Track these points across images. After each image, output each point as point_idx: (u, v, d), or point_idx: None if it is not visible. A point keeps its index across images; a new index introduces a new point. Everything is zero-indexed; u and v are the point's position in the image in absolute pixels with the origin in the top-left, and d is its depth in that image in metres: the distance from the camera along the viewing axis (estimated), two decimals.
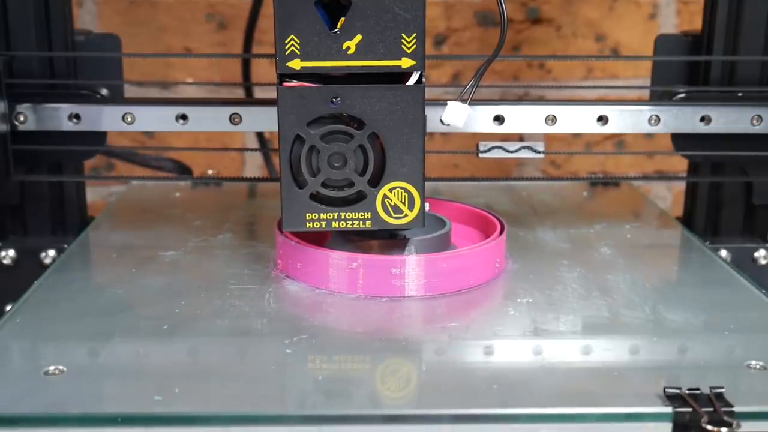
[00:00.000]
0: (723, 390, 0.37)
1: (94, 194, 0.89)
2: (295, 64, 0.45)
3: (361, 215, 0.47)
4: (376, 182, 0.47)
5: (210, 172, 0.85)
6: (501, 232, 0.53)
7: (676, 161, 0.86)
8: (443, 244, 0.52)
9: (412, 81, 0.46)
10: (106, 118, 0.58)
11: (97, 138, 0.59)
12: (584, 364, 0.42)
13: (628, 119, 0.59)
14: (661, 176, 0.95)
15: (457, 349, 0.43)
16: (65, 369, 0.39)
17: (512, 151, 0.57)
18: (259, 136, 0.83)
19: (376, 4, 0.44)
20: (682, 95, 0.59)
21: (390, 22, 0.45)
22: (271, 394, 0.38)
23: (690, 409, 0.36)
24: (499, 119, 0.57)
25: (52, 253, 0.61)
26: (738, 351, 0.42)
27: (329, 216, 0.47)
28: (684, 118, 0.59)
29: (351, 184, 0.47)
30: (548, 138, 0.91)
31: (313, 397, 0.38)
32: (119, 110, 0.57)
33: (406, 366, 0.41)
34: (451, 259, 0.49)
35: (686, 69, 0.62)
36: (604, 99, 0.59)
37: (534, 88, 0.88)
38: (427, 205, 0.48)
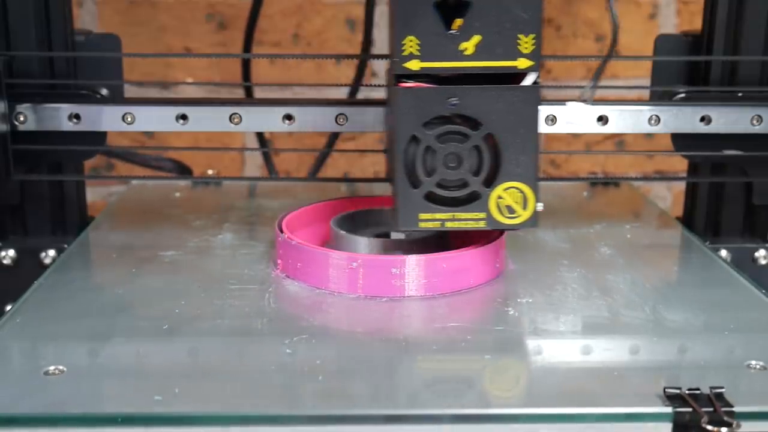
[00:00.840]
0: (723, 390, 0.37)
1: (94, 194, 0.89)
2: (414, 65, 0.45)
3: (475, 215, 0.47)
4: (490, 182, 0.47)
5: (210, 172, 0.85)
6: (501, 233, 0.53)
7: (676, 161, 0.86)
8: (443, 244, 0.52)
9: (528, 81, 0.46)
10: (106, 118, 0.57)
11: (97, 138, 0.59)
12: (584, 364, 0.42)
13: (628, 119, 0.59)
14: (661, 176, 0.95)
15: (457, 349, 0.43)
16: (65, 369, 0.39)
17: None
18: (259, 136, 0.83)
19: (495, 4, 0.44)
20: (682, 95, 0.59)
21: (508, 23, 0.45)
22: (271, 394, 0.38)
23: (690, 409, 0.36)
24: None
25: (52, 253, 0.60)
26: (738, 351, 0.42)
27: (443, 216, 0.47)
28: (684, 118, 0.58)
29: (465, 184, 0.47)
30: (548, 138, 0.91)
31: (313, 397, 0.38)
32: (119, 110, 0.57)
33: (406, 366, 0.41)
34: (451, 259, 0.49)
35: (686, 69, 0.62)
36: (604, 99, 0.59)
37: None
38: (540, 205, 0.47)
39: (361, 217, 0.56)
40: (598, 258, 0.55)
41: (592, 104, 0.46)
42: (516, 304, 0.48)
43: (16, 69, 0.58)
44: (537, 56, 0.45)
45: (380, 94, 0.88)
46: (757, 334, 0.45)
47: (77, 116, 0.57)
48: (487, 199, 0.47)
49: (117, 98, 0.60)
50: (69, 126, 0.58)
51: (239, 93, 0.86)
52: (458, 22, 0.45)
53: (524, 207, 0.47)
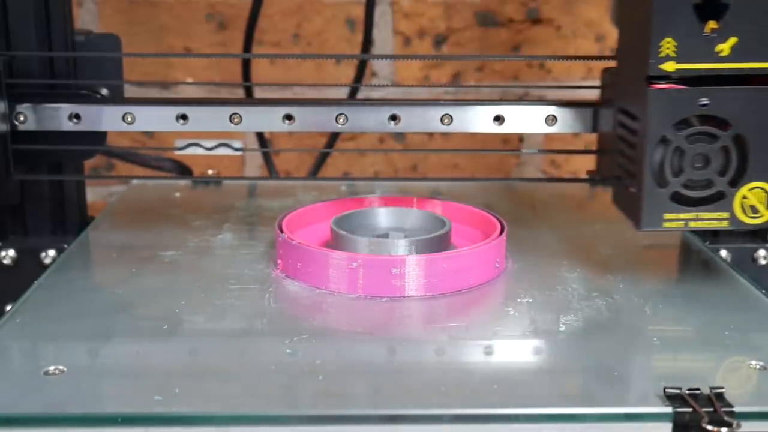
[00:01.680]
0: (723, 390, 0.37)
1: (94, 194, 0.89)
2: (669, 66, 0.45)
3: (719, 215, 0.47)
4: (735, 182, 0.47)
5: (210, 172, 0.85)
6: (501, 232, 0.53)
7: None
8: (443, 244, 0.52)
9: None
10: (106, 118, 0.57)
11: (97, 138, 0.59)
12: (584, 364, 0.42)
13: None
14: None
15: (457, 349, 0.43)
16: (65, 369, 0.39)
17: (209, 149, 0.58)
18: (259, 136, 0.83)
19: (753, 6, 0.45)
20: None
21: (764, 25, 0.45)
22: (271, 394, 0.38)
23: (690, 409, 0.36)
24: (499, 119, 0.57)
25: (52, 253, 0.60)
26: (738, 351, 0.42)
27: (687, 216, 0.47)
28: None
29: (710, 184, 0.47)
30: (548, 138, 0.91)
31: (313, 397, 0.38)
32: (119, 110, 0.57)
33: (406, 366, 0.41)
34: (451, 259, 0.49)
35: None
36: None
37: (534, 88, 0.88)
38: None
39: (361, 217, 0.56)
40: (598, 258, 0.55)
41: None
42: (516, 304, 0.48)
43: (16, 69, 0.58)
44: None
45: (380, 94, 0.88)
46: (757, 334, 0.45)
47: (77, 116, 0.57)
48: (731, 199, 0.47)
49: (117, 98, 0.60)
50: (69, 126, 0.58)
51: (239, 93, 0.86)
52: (711, 24, 0.45)
53: (767, 207, 0.47)
